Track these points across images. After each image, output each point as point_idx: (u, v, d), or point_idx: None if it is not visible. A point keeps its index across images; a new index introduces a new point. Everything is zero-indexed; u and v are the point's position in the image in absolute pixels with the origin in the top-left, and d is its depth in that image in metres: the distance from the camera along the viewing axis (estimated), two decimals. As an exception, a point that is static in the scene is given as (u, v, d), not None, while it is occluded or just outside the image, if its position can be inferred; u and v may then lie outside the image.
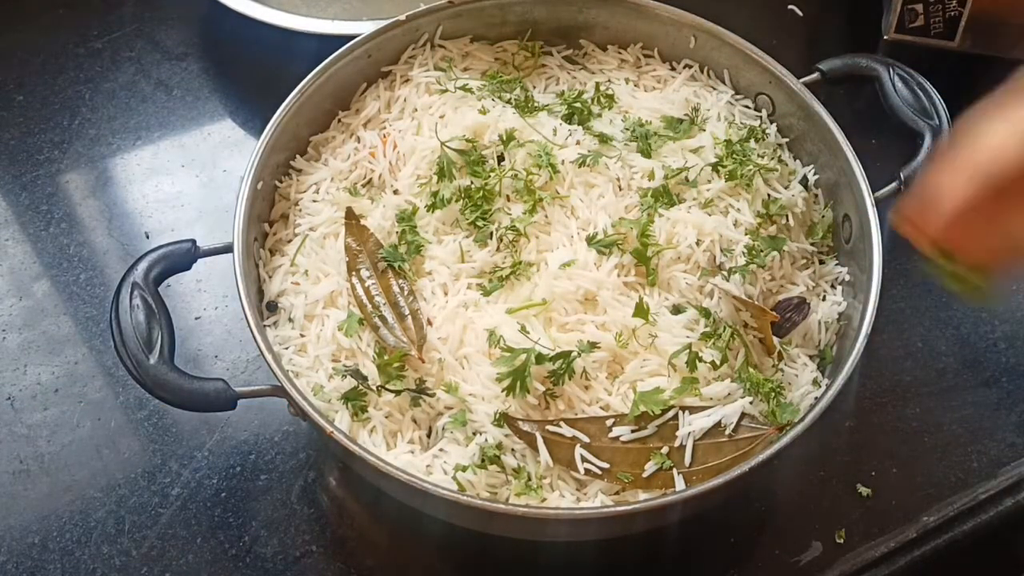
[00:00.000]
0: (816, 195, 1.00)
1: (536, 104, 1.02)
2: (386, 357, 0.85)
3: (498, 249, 0.91)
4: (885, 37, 1.20)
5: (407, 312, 0.88)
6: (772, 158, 0.99)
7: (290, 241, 0.96)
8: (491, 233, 0.92)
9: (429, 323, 0.88)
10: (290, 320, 0.90)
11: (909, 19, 1.17)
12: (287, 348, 0.89)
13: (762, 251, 0.92)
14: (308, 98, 0.98)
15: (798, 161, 1.02)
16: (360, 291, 0.89)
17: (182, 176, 1.19)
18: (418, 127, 0.99)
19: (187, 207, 1.16)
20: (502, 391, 0.82)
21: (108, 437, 0.99)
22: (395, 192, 0.96)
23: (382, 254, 0.91)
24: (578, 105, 1.01)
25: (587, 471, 0.81)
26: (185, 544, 0.93)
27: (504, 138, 0.96)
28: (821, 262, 0.98)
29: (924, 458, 0.99)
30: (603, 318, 0.86)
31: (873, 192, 0.92)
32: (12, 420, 1.00)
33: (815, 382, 0.88)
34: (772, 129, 1.03)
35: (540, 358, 0.82)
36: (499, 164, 0.95)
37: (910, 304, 1.09)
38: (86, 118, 1.23)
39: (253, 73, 1.26)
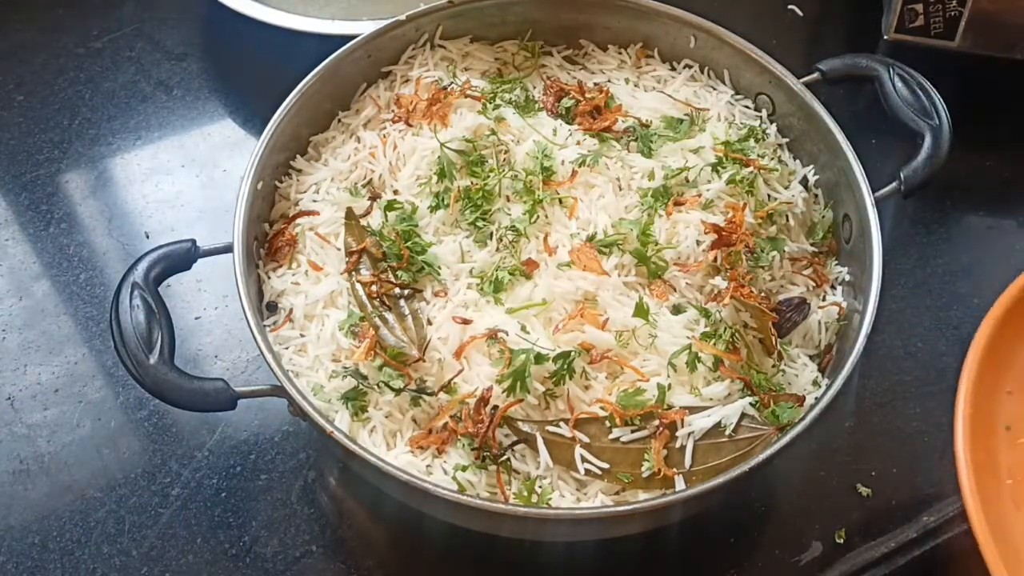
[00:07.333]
0: (816, 195, 1.00)
1: (536, 104, 1.02)
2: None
3: (498, 249, 0.91)
4: (885, 37, 1.20)
5: (407, 312, 0.88)
6: (772, 158, 0.99)
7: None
8: (491, 233, 0.92)
9: (429, 323, 0.88)
10: (290, 320, 0.90)
11: (909, 19, 1.17)
12: (287, 348, 0.89)
13: (762, 251, 0.92)
14: (308, 98, 0.98)
15: (798, 161, 1.02)
16: (360, 291, 0.89)
17: (182, 176, 1.19)
18: (418, 127, 0.99)
19: (187, 207, 1.16)
20: (502, 391, 0.82)
21: (108, 437, 0.99)
22: (395, 192, 0.96)
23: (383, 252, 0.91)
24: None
25: (587, 471, 0.81)
26: (185, 544, 0.93)
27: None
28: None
29: (924, 458, 0.99)
30: (603, 318, 0.86)
31: (873, 192, 0.92)
32: (12, 420, 1.00)
33: (815, 382, 0.88)
34: (772, 129, 1.03)
35: (540, 358, 0.82)
36: (499, 164, 0.95)
37: (910, 304, 1.09)
38: (86, 118, 1.23)
39: (253, 73, 1.26)
